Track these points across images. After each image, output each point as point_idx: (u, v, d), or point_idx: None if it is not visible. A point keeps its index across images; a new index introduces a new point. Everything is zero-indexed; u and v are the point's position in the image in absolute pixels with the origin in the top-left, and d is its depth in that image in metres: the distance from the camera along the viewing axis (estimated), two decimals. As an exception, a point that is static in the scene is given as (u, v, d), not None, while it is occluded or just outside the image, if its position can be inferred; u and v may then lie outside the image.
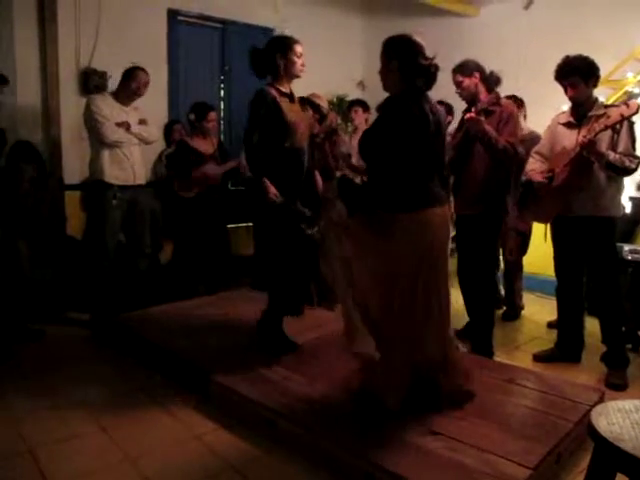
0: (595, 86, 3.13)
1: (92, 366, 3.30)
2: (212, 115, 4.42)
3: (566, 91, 3.13)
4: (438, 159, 2.50)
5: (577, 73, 3.04)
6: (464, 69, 3.24)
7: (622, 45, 4.44)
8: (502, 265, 4.35)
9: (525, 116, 4.19)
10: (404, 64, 2.39)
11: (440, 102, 4.01)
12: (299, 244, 2.98)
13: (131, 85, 3.81)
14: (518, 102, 4.08)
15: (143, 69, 3.85)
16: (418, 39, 2.43)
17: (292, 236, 2.98)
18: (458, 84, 3.26)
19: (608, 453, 1.50)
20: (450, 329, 2.55)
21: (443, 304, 2.45)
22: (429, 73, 2.39)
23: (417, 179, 2.40)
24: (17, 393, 2.92)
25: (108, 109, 3.76)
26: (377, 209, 2.41)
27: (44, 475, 2.21)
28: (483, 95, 3.25)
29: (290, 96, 3.04)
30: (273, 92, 2.94)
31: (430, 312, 2.41)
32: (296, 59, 2.96)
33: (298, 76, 3.03)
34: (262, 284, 3.22)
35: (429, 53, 2.42)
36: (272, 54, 2.96)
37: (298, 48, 2.97)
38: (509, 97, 4.05)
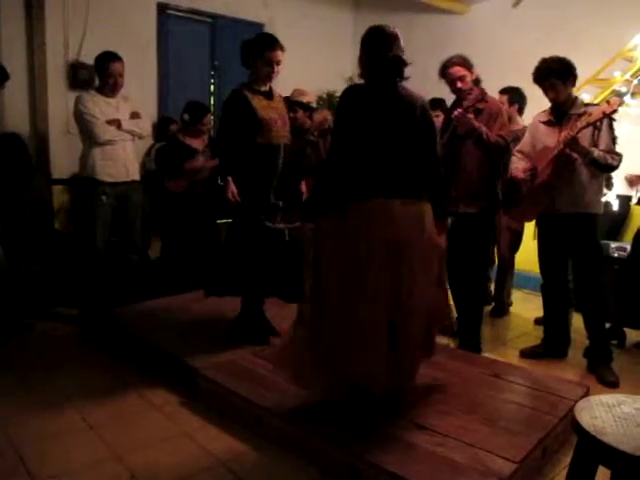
0: (573, 85, 3.16)
1: (79, 362, 3.29)
2: (207, 119, 4.42)
3: (546, 93, 3.16)
4: (414, 151, 2.42)
5: (554, 75, 3.07)
6: (467, 63, 3.22)
7: (610, 43, 4.48)
8: (496, 262, 4.39)
9: (522, 110, 4.18)
10: (368, 56, 2.42)
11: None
12: (263, 239, 3.06)
13: (108, 82, 3.76)
14: (514, 96, 4.09)
15: (113, 56, 3.75)
16: (388, 31, 2.41)
17: (255, 232, 3.05)
18: (461, 78, 3.20)
19: (591, 446, 1.52)
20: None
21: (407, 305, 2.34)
22: (389, 66, 2.38)
23: (374, 168, 2.36)
24: (2, 389, 2.89)
25: (97, 107, 3.72)
26: (333, 199, 2.40)
27: (30, 472, 2.19)
28: (475, 90, 3.26)
29: (267, 94, 3.08)
30: (245, 91, 3.01)
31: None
32: (263, 67, 2.98)
33: (264, 81, 3.05)
34: (218, 289, 3.22)
35: (399, 44, 2.39)
36: (247, 52, 3.02)
37: (271, 55, 2.96)
38: (506, 90, 4.08)
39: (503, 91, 4.08)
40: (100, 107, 3.74)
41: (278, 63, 3.01)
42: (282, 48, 3.01)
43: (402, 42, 2.42)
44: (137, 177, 4.04)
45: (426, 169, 2.47)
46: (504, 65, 4.68)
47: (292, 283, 3.12)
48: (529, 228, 3.69)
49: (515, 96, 4.09)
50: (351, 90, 2.48)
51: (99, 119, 3.71)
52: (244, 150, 3.01)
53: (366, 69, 2.45)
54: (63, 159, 4.40)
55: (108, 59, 3.74)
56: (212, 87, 5.57)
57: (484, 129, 3.11)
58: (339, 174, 2.41)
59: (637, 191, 3.64)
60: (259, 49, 2.98)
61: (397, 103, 2.40)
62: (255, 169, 3.03)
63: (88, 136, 3.75)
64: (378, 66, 2.39)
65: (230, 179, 3.01)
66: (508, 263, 4.35)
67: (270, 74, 3.02)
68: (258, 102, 3.00)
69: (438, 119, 3.55)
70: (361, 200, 2.33)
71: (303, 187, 3.60)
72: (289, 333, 2.46)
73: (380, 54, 2.38)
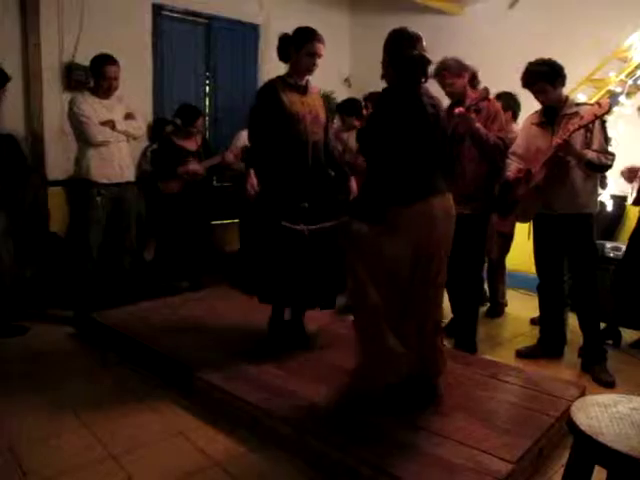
0: (563, 85, 3.17)
1: (75, 363, 3.28)
2: (199, 122, 4.45)
3: (536, 96, 3.18)
4: (439, 151, 2.48)
5: (542, 78, 3.08)
6: (452, 69, 3.22)
7: (605, 44, 4.48)
8: (486, 263, 4.38)
9: (515, 116, 4.18)
10: (392, 58, 2.43)
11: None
12: (284, 239, 2.92)
13: (103, 84, 3.76)
14: (507, 102, 4.08)
15: (109, 59, 3.74)
16: (411, 32, 2.43)
17: (276, 230, 2.92)
18: (450, 85, 3.23)
19: (587, 446, 1.52)
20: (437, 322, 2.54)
21: (434, 297, 2.46)
22: (415, 65, 2.38)
23: (416, 171, 2.39)
24: (-3, 391, 2.89)
25: (91, 109, 3.71)
26: (383, 205, 2.39)
27: (25, 472, 2.18)
28: (470, 93, 3.26)
29: (302, 88, 3.03)
30: (276, 84, 2.97)
31: (421, 304, 2.42)
32: (306, 58, 2.94)
33: (304, 74, 3.02)
34: (241, 283, 3.16)
35: (422, 45, 2.41)
36: (287, 45, 2.98)
37: (313, 47, 2.93)
38: (499, 96, 4.07)
39: (497, 97, 4.06)
40: (94, 108, 3.74)
41: (320, 56, 2.97)
42: (324, 42, 2.97)
43: (424, 43, 2.43)
44: (132, 178, 4.03)
45: (444, 164, 2.54)
46: (499, 66, 4.66)
47: (318, 288, 2.99)
48: (521, 230, 3.69)
49: (509, 102, 4.08)
50: (387, 96, 2.46)
51: (93, 120, 3.70)
52: (272, 143, 2.95)
53: (391, 70, 2.45)
54: (58, 160, 4.39)
55: (104, 62, 3.73)
56: (207, 88, 5.55)
57: (484, 130, 3.11)
58: (392, 179, 2.40)
59: (633, 190, 3.65)
60: (303, 40, 2.93)
61: (430, 104, 2.40)
62: (282, 164, 2.96)
63: (82, 137, 3.74)
64: (403, 66, 2.39)
65: (252, 171, 3.00)
66: (498, 265, 4.36)
67: (311, 67, 2.98)
68: (289, 96, 2.95)
69: None
70: (421, 200, 2.35)
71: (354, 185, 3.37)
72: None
73: (405, 54, 2.39)
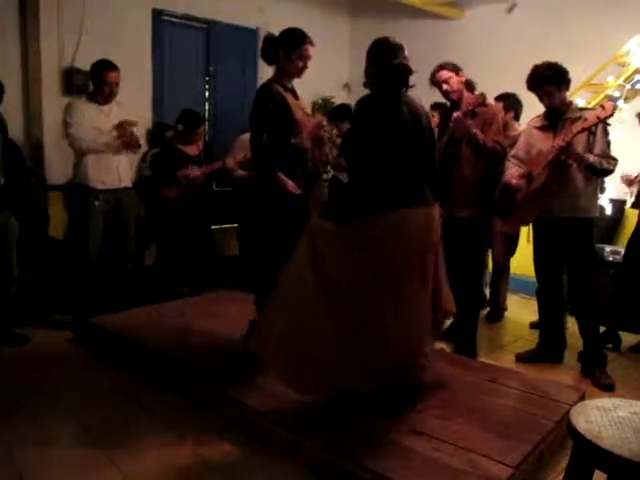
0: (567, 89, 3.18)
1: (74, 368, 3.27)
2: (201, 129, 4.46)
3: (541, 99, 3.19)
4: (421, 159, 2.48)
5: (549, 81, 3.09)
6: (450, 66, 3.23)
7: (603, 49, 4.51)
8: (490, 266, 4.39)
9: (518, 116, 4.19)
10: (376, 67, 2.47)
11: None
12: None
13: (104, 90, 3.75)
14: (510, 102, 4.10)
15: (110, 65, 3.73)
16: (393, 41, 2.47)
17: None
18: (446, 80, 3.21)
19: (587, 450, 1.52)
20: (418, 335, 2.47)
21: (407, 310, 2.38)
22: (397, 73, 2.42)
23: (392, 179, 2.39)
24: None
25: (81, 115, 3.69)
26: (355, 210, 2.41)
27: (22, 477, 2.17)
28: (468, 96, 3.27)
29: (294, 92, 2.99)
30: (277, 87, 2.89)
31: (393, 316, 2.35)
32: (298, 61, 2.88)
33: (293, 77, 2.97)
34: (247, 284, 3.13)
35: (404, 54, 2.44)
36: (276, 47, 2.91)
37: (306, 50, 2.87)
38: (501, 97, 4.09)
39: (499, 98, 4.08)
40: (90, 114, 3.73)
41: (310, 58, 2.91)
42: (314, 44, 2.92)
43: (406, 52, 2.45)
44: (129, 184, 4.03)
45: (429, 174, 2.54)
46: (499, 70, 4.70)
47: None
48: (524, 233, 3.70)
49: (511, 102, 4.10)
50: (366, 102, 2.48)
51: (82, 130, 3.67)
52: (279, 151, 2.86)
53: (373, 79, 2.49)
54: (57, 165, 4.39)
55: (105, 67, 3.72)
56: (207, 93, 5.57)
57: (481, 135, 3.12)
58: (364, 185, 2.42)
59: (631, 194, 3.65)
60: (295, 43, 2.85)
61: (410, 113, 2.42)
62: (289, 172, 2.84)
63: (69, 142, 3.74)
64: (385, 75, 2.43)
65: (281, 175, 2.79)
66: (503, 268, 4.36)
67: (302, 69, 2.91)
68: (291, 101, 2.88)
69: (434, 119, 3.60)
70: (392, 210, 2.34)
71: None
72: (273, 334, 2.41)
73: (387, 63, 2.42)
